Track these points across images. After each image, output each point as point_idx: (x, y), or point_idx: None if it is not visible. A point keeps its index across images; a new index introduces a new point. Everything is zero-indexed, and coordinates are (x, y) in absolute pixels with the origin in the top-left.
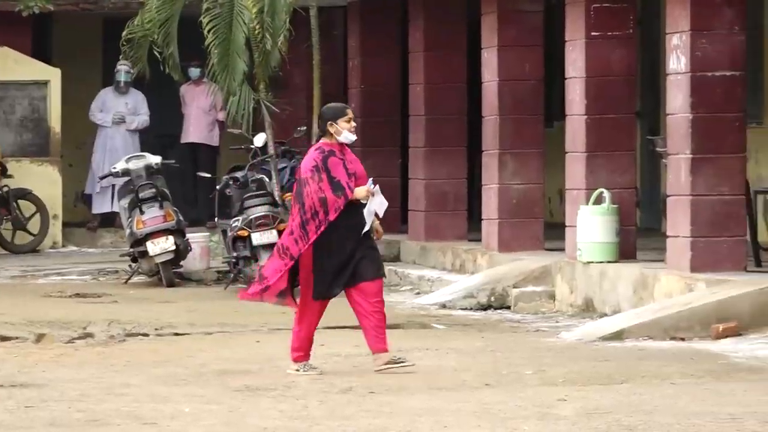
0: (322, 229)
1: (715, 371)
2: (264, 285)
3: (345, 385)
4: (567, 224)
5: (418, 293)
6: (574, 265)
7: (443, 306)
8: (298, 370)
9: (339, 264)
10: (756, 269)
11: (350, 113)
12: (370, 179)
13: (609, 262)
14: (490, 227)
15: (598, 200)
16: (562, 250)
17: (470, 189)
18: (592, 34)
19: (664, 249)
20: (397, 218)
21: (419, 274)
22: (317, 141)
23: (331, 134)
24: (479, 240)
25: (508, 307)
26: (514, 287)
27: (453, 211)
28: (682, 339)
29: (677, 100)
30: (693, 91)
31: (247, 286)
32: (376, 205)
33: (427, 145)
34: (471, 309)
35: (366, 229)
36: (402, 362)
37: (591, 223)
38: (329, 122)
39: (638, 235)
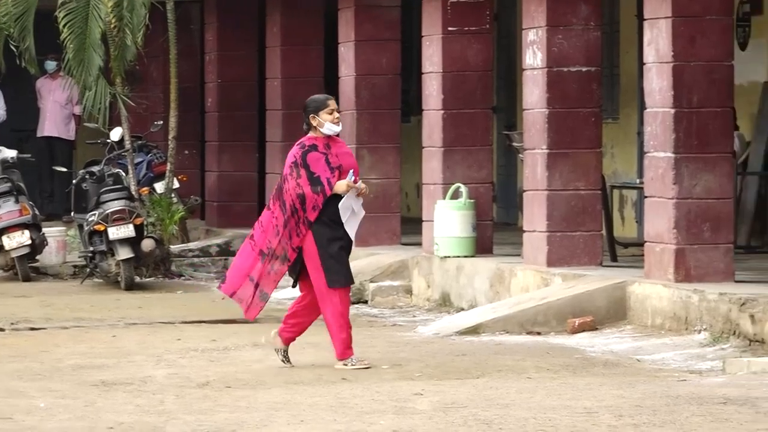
0: (302, 229)
1: (570, 365)
2: (261, 292)
3: (201, 379)
4: (424, 219)
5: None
6: (431, 259)
7: None
8: (346, 365)
9: (343, 249)
10: (611, 264)
11: (332, 104)
12: (351, 171)
13: (466, 256)
14: None
15: (455, 195)
16: (419, 244)
17: None
18: (449, 29)
19: (520, 244)
20: (254, 212)
21: None
22: (304, 134)
23: (315, 127)
24: None
25: (366, 302)
26: (371, 282)
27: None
28: (539, 333)
29: (533, 95)
30: (549, 86)
31: (249, 304)
32: (353, 199)
33: (284, 139)
34: None
35: (347, 226)
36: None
37: (448, 218)
38: (311, 115)
39: (495, 230)
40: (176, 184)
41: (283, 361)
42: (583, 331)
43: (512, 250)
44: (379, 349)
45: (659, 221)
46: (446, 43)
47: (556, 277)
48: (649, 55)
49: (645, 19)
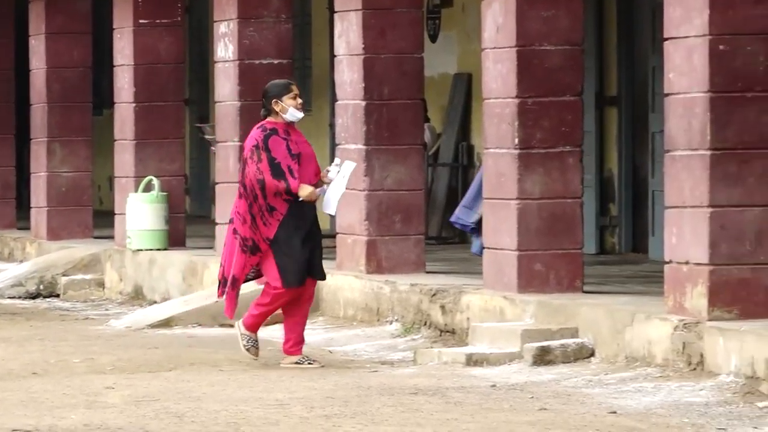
0: (269, 218)
1: (263, 357)
2: (238, 287)
3: None
4: (116, 212)
5: None
6: (123, 252)
7: None
8: (299, 363)
9: (299, 248)
10: None
11: (295, 89)
12: (336, 158)
13: (158, 249)
14: (38, 215)
15: (147, 188)
16: (112, 237)
17: (19, 177)
18: (140, 21)
19: (214, 236)
20: (10, 208)
21: None
22: (262, 120)
23: (277, 113)
24: (29, 228)
25: (58, 296)
26: (64, 275)
27: (1, 199)
28: (231, 326)
29: (225, 88)
30: (241, 78)
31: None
32: (334, 192)
33: None
34: (20, 297)
35: (331, 212)
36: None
37: (140, 211)
38: (274, 100)
39: (188, 223)
40: None
41: (248, 350)
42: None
43: (205, 242)
44: (71, 343)
45: (351, 213)
46: (137, 35)
47: None
48: (340, 47)
49: (336, 12)
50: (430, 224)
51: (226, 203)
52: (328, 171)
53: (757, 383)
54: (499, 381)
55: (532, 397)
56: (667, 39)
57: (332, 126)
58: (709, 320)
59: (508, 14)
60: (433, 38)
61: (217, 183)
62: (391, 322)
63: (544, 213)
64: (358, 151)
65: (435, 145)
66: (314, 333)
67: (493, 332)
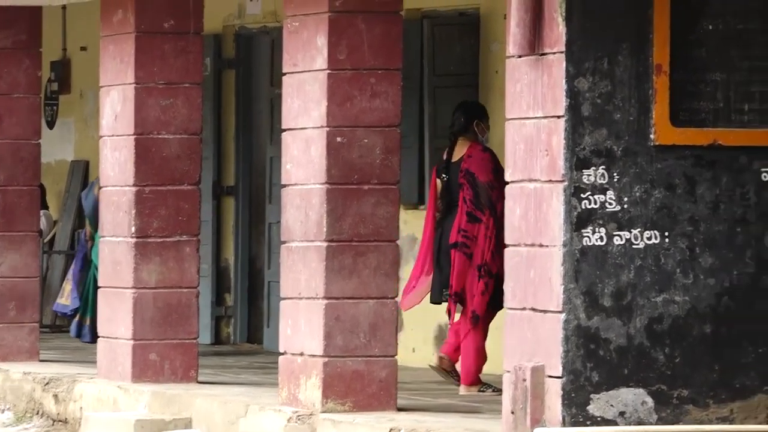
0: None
1: None
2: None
3: None
4: None
5: None
6: None
7: None
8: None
9: None
10: None
11: None
12: None
13: None
14: None
15: None
16: None
17: None
18: None
19: None
20: None
21: None
22: (458, 138)
23: (476, 134)
24: None
25: None
26: None
27: None
28: None
29: None
30: None
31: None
32: None
33: None
34: None
35: None
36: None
37: None
38: (476, 121)
39: None
40: None
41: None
42: None
43: None
44: None
45: None
46: None
47: None
48: None
49: None
50: (45, 312)
51: None
52: None
53: None
54: None
55: None
56: (285, 130)
57: None
58: (323, 412)
59: (126, 102)
60: (51, 124)
61: None
62: (3, 411)
63: (159, 302)
64: None
65: (51, 232)
66: None
67: (105, 422)
